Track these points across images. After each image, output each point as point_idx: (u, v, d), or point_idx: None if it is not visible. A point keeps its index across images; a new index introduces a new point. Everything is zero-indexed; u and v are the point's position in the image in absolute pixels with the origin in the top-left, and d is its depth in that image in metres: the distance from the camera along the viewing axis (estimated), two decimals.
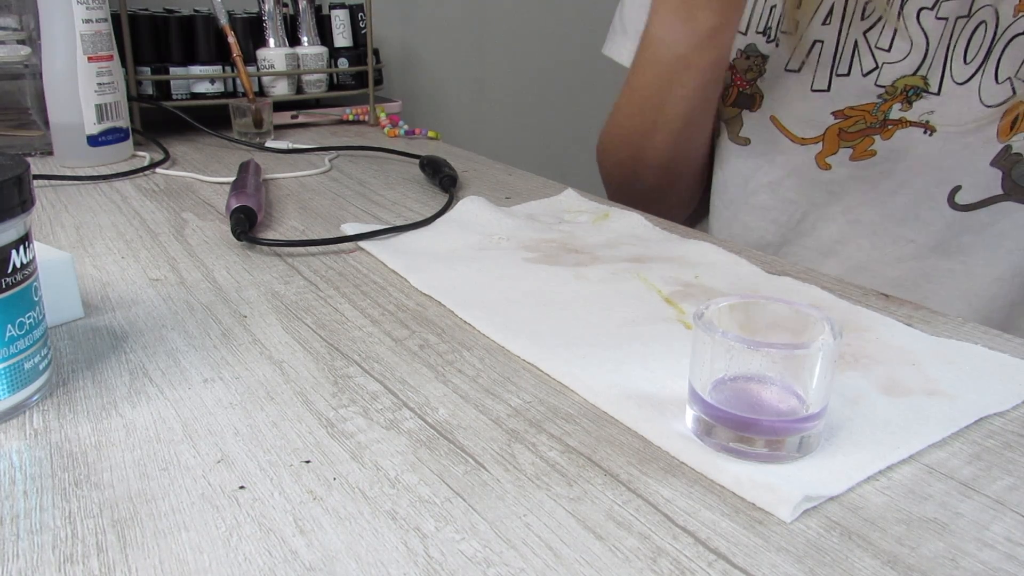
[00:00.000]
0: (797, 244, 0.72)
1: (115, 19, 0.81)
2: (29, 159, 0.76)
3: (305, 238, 0.56)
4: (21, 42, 0.78)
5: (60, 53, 0.74)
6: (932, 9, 0.61)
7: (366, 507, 0.27)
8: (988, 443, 0.32)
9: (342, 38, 1.05)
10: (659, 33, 0.66)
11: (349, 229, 0.57)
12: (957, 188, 0.63)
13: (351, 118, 1.03)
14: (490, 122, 1.43)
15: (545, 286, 0.47)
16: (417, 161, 0.76)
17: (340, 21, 1.04)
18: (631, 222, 0.59)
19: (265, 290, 0.47)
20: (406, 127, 0.96)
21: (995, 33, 0.58)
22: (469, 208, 0.60)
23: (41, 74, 0.75)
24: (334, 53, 1.03)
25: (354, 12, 1.05)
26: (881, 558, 0.25)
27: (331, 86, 1.03)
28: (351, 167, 0.79)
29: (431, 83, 1.36)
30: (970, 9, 0.59)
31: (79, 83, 0.75)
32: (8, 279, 0.31)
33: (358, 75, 1.04)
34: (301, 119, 1.00)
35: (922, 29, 0.61)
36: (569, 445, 0.31)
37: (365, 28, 1.02)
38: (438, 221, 0.59)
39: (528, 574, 0.24)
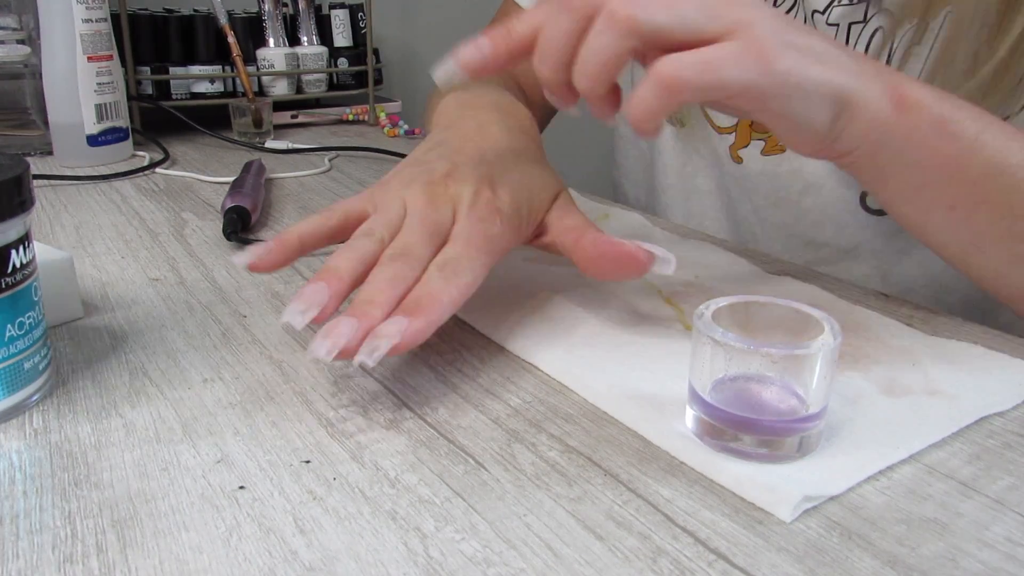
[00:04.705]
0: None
1: (115, 19, 0.81)
2: (29, 159, 0.76)
3: None
4: (21, 42, 0.78)
5: (60, 53, 0.74)
6: (823, 14, 0.58)
7: (366, 507, 0.27)
8: (988, 443, 0.32)
9: (342, 38, 1.05)
10: None
11: None
12: None
13: (351, 118, 1.03)
14: None
15: (545, 286, 0.47)
16: None
17: (340, 21, 1.04)
18: (631, 222, 0.59)
19: (265, 290, 0.47)
20: (406, 127, 0.96)
21: (892, 42, 0.55)
22: None
23: (41, 74, 0.75)
24: (334, 53, 1.03)
25: (354, 12, 1.05)
26: (881, 558, 0.25)
27: (331, 86, 1.03)
28: (351, 167, 0.79)
29: (431, 83, 1.35)
30: (865, 15, 0.56)
31: (79, 83, 0.75)
32: (8, 279, 0.31)
33: (358, 75, 1.04)
34: (301, 119, 1.00)
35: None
36: (569, 445, 0.31)
37: (365, 28, 1.02)
38: None
39: (528, 574, 0.24)
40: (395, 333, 0.31)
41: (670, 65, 0.33)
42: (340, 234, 0.39)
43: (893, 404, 0.34)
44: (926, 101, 0.37)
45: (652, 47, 0.34)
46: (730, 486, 0.29)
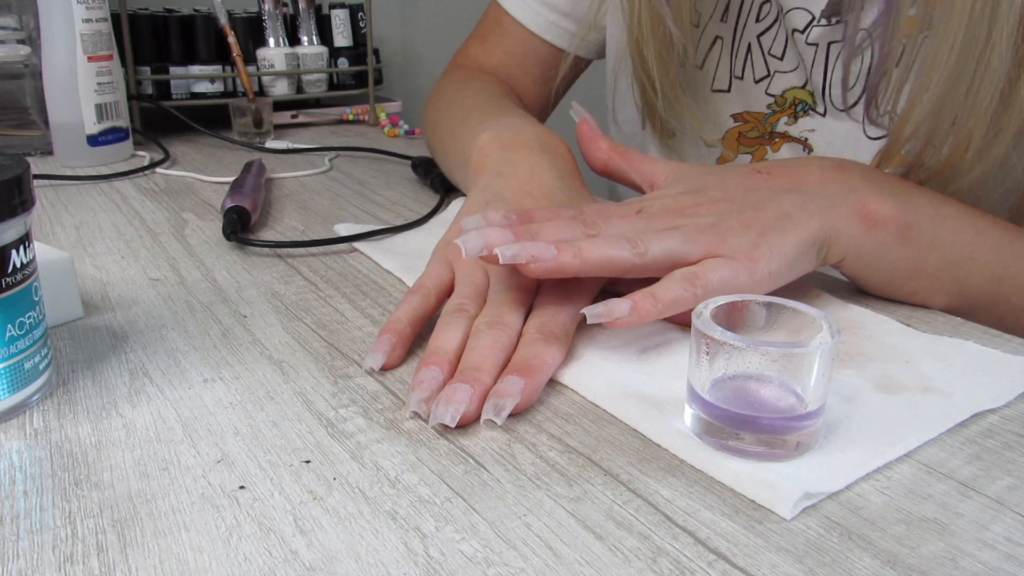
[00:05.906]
0: None
1: (115, 19, 0.81)
2: (29, 159, 0.76)
3: (303, 238, 0.56)
4: (21, 42, 0.78)
5: (60, 53, 0.74)
6: (803, 33, 0.57)
7: (366, 507, 0.27)
8: (988, 443, 0.32)
9: (342, 38, 1.05)
10: None
11: (343, 230, 0.57)
12: None
13: (351, 118, 1.03)
14: None
15: None
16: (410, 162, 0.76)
17: (340, 21, 1.04)
18: None
19: (265, 290, 0.47)
20: (406, 127, 0.96)
21: (871, 63, 0.55)
22: None
23: (41, 74, 0.75)
24: (334, 53, 1.03)
25: (354, 12, 1.05)
26: (881, 558, 0.25)
27: (331, 86, 1.03)
28: (351, 167, 0.79)
29: (431, 83, 1.36)
30: (843, 35, 0.56)
31: (79, 83, 0.75)
32: (8, 279, 0.32)
33: (358, 75, 1.04)
34: (301, 119, 1.00)
35: (798, 50, 0.59)
36: (569, 445, 0.31)
37: (365, 28, 1.02)
38: (432, 221, 0.59)
39: (528, 574, 0.25)
40: (516, 393, 0.33)
41: (693, 268, 0.38)
42: (438, 307, 0.41)
43: (888, 401, 0.34)
44: (891, 213, 0.41)
45: (650, 272, 0.38)
46: (730, 484, 0.29)
